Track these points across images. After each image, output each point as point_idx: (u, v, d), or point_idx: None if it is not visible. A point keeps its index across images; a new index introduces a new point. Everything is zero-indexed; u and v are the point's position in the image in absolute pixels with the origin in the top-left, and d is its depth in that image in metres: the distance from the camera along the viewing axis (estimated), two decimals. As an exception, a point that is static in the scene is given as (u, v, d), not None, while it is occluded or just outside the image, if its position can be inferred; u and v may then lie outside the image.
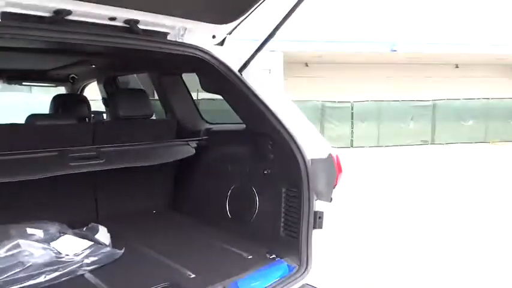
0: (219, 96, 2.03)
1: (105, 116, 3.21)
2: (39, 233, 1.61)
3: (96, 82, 3.22)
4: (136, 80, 2.96)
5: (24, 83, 3.45)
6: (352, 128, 12.78)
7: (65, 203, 1.99)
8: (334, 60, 16.87)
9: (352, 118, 12.81)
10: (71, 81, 3.21)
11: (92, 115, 2.96)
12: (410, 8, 19.11)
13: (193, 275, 1.52)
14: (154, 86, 2.58)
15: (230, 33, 1.85)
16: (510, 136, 13.29)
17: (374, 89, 16.86)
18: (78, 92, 3.31)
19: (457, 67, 19.59)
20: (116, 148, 1.95)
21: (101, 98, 3.13)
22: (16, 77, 3.12)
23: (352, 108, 12.88)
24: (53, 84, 3.41)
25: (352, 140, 12.74)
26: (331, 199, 1.72)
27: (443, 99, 13.72)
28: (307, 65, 18.58)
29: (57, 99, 2.70)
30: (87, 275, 1.52)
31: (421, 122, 13.08)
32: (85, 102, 2.77)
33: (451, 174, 8.18)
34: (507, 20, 19.23)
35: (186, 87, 2.55)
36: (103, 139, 1.99)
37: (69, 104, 2.66)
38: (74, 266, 1.51)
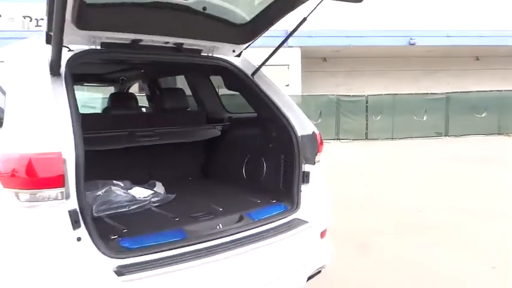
0: (232, 92, 2.91)
1: (144, 109, 4.11)
2: (120, 185, 2.51)
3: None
4: (173, 81, 3.88)
5: (85, 84, 4.42)
6: (367, 121, 13.46)
7: (131, 168, 2.90)
8: (352, 54, 17.50)
9: (366, 111, 13.49)
10: (120, 82, 4.13)
11: None
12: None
13: (221, 209, 2.38)
14: (189, 85, 3.47)
15: (245, 48, 2.71)
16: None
17: (391, 82, 17.42)
18: (125, 91, 4.26)
19: (477, 59, 19.93)
20: (164, 130, 2.85)
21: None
22: (85, 79, 4.07)
23: (366, 102, 13.55)
24: (105, 84, 4.36)
25: (366, 133, 13.44)
26: (315, 163, 2.56)
27: (457, 91, 14.19)
28: (325, 60, 19.26)
29: (114, 96, 3.61)
30: (153, 208, 2.42)
31: (435, 114, 13.65)
32: (134, 98, 3.69)
33: (454, 162, 8.86)
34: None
35: (213, 85, 3.44)
36: (156, 124, 2.90)
37: (123, 99, 3.57)
38: (144, 203, 2.40)
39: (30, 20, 24.43)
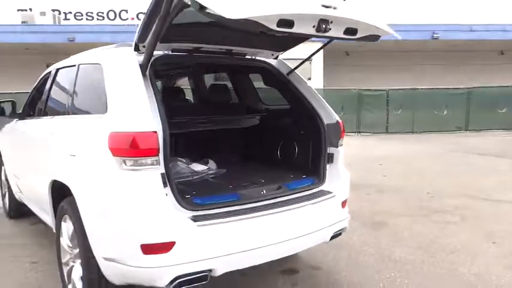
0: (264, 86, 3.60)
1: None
2: (182, 160, 3.22)
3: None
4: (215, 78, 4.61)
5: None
6: (388, 114, 13.97)
7: (189, 148, 3.62)
8: (375, 48, 17.94)
9: (387, 105, 14.00)
10: (169, 77, 4.84)
11: None
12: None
13: (263, 180, 3.06)
14: (232, 82, 4.16)
15: (282, 53, 3.38)
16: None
17: (413, 77, 17.79)
18: (173, 85, 4.98)
19: (502, 54, 20.12)
20: (215, 117, 3.56)
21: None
22: None
23: (387, 96, 14.06)
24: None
25: (387, 126, 13.96)
26: (338, 146, 3.21)
27: (479, 86, 14.53)
28: (347, 54, 19.75)
29: (165, 90, 4.33)
30: (210, 179, 3.13)
31: (456, 109, 14.06)
32: (182, 92, 4.38)
33: (470, 155, 9.36)
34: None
35: (251, 81, 4.11)
36: (207, 113, 3.61)
37: (177, 93, 4.27)
38: (203, 175, 3.12)
39: (59, 14, 25.54)
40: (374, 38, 2.67)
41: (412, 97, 14.12)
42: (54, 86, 3.79)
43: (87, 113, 2.96)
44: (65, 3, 26.62)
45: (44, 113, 3.81)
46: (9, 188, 5.03)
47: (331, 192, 3.06)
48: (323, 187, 3.12)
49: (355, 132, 13.36)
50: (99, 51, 3.14)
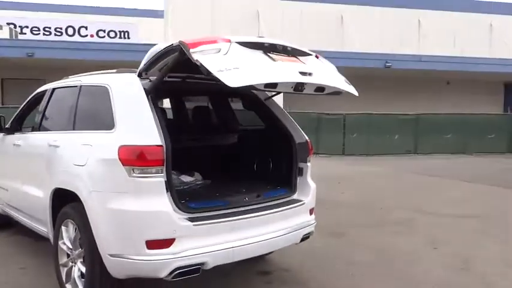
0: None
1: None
2: (174, 172, 3.70)
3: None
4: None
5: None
6: (344, 137, 14.91)
7: (178, 161, 4.10)
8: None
9: (344, 129, 14.94)
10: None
11: None
12: (405, 26, 21.29)
13: (244, 190, 3.59)
14: (212, 104, 4.70)
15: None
16: (486, 148, 15.45)
17: (367, 103, 18.96)
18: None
19: (448, 83, 21.81)
20: (199, 136, 4.12)
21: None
22: None
23: (344, 120, 15.01)
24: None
25: (344, 148, 14.88)
26: (307, 162, 3.81)
27: (426, 113, 15.78)
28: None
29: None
30: (197, 188, 3.63)
31: (406, 134, 15.21)
32: (165, 111, 4.87)
33: (418, 175, 10.30)
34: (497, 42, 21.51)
35: (230, 104, 4.68)
36: (192, 131, 4.15)
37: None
38: (191, 185, 3.61)
39: (15, 27, 25.19)
40: (337, 93, 3.36)
41: (367, 122, 15.13)
42: (52, 104, 4.18)
43: (94, 128, 3.38)
44: (21, 17, 26.38)
45: (42, 128, 4.18)
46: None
47: (301, 201, 3.64)
48: (294, 196, 3.70)
49: (314, 153, 14.02)
50: (104, 74, 3.60)
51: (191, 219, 2.96)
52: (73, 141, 3.50)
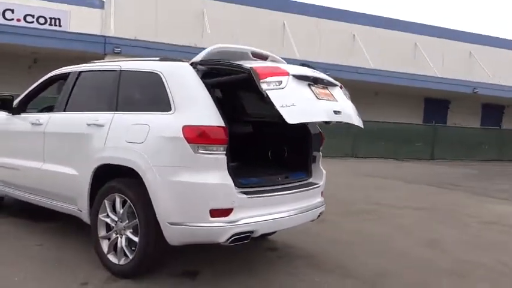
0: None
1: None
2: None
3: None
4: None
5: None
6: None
7: None
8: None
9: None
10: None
11: None
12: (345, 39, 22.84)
13: (270, 172, 4.11)
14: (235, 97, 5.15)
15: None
16: (414, 155, 17.27)
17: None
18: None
19: (376, 94, 23.77)
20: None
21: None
22: None
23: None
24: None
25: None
26: (319, 151, 4.44)
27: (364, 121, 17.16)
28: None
29: None
30: (234, 169, 4.12)
31: (345, 138, 16.49)
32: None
33: (359, 176, 11.42)
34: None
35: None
36: None
37: None
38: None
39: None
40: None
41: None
42: (80, 86, 4.40)
43: (144, 110, 3.73)
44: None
45: (70, 108, 4.40)
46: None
47: (317, 184, 4.27)
48: (310, 180, 4.31)
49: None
50: (150, 62, 3.94)
51: (244, 193, 3.45)
52: (122, 121, 3.79)
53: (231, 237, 3.34)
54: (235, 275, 3.84)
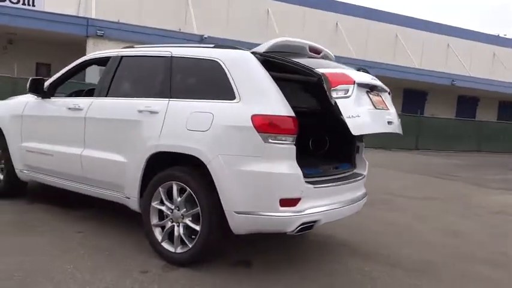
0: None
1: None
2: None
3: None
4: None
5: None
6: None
7: None
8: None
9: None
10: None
11: None
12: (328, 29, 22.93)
13: (319, 162, 4.15)
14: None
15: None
16: (401, 145, 17.70)
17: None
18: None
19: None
20: None
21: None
22: None
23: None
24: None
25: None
26: (362, 140, 4.50)
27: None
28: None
29: None
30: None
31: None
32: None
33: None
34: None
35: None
36: None
37: None
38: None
39: None
40: None
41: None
42: (124, 72, 4.30)
43: (203, 97, 3.66)
44: None
45: (114, 94, 4.28)
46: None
47: (362, 174, 4.33)
48: (355, 171, 4.37)
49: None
50: (206, 49, 3.87)
51: (310, 183, 3.47)
52: (179, 108, 3.72)
53: (298, 227, 3.37)
54: (287, 264, 3.89)
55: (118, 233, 4.33)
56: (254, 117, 3.33)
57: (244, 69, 3.59)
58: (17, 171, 5.05)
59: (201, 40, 21.44)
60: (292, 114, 3.37)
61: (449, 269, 4.17)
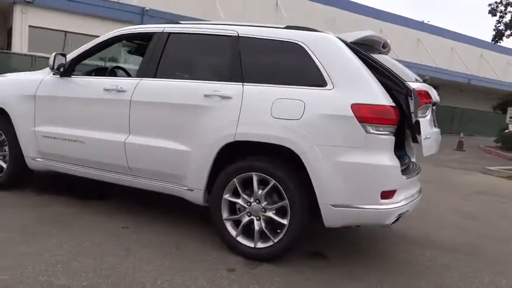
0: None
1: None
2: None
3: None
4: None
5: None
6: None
7: None
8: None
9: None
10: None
11: None
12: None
13: None
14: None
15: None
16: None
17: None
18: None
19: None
20: None
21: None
22: None
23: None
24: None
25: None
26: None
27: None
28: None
29: None
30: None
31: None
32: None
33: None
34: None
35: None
36: None
37: None
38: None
39: None
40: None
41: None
42: (175, 51, 3.89)
43: (285, 83, 3.40)
44: None
45: (164, 75, 3.87)
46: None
47: (418, 164, 4.35)
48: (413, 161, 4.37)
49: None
50: (286, 30, 3.60)
51: (403, 174, 3.40)
52: (258, 94, 3.44)
53: (395, 219, 3.33)
54: (359, 255, 3.86)
55: (163, 226, 4.00)
56: (354, 106, 3.18)
57: (334, 54, 3.39)
58: (27, 159, 4.42)
59: (143, 12, 20.41)
60: (393, 103, 3.26)
61: (493, 249, 4.38)
